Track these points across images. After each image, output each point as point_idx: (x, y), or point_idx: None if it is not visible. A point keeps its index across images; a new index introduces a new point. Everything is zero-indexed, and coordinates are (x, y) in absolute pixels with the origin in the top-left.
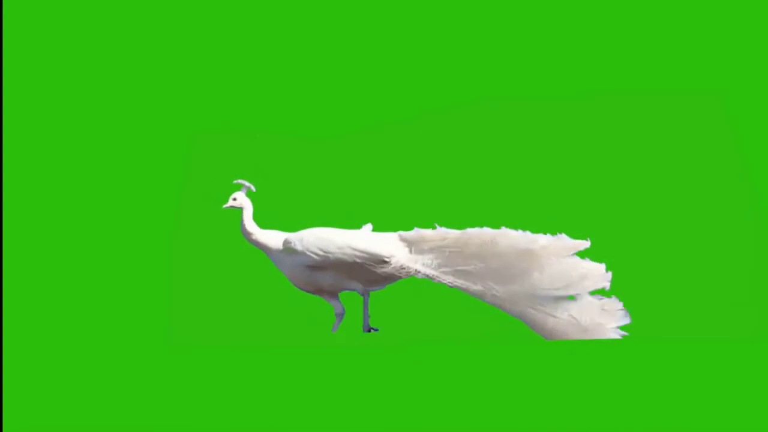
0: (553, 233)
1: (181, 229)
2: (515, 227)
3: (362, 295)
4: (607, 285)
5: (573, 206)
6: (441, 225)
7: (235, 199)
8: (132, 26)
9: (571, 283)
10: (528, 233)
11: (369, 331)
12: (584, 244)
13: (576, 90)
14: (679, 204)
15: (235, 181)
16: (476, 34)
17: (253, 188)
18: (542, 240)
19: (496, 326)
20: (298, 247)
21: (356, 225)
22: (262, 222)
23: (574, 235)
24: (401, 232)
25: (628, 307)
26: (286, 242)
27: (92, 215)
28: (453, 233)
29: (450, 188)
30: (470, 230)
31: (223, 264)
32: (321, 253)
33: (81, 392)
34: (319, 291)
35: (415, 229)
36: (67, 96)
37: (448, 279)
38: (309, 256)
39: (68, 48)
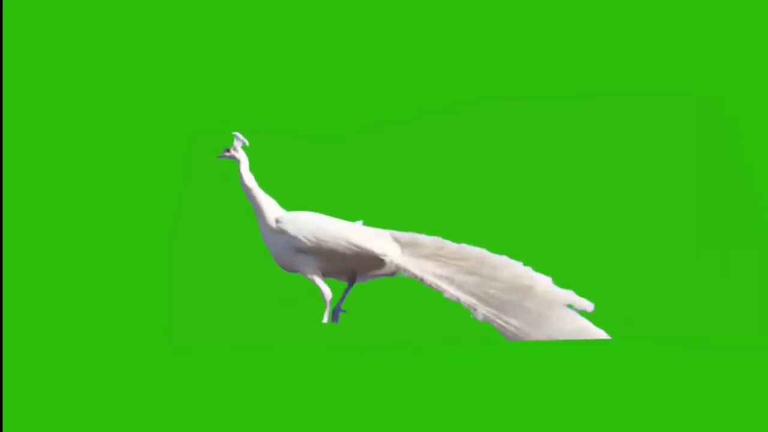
0: (554, 235)
1: (181, 230)
2: (514, 227)
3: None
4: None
5: (572, 206)
6: (441, 225)
7: (228, 150)
8: (132, 26)
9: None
10: (529, 269)
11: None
12: (588, 306)
13: (574, 91)
14: (679, 205)
15: (232, 132)
16: (476, 34)
17: (246, 142)
18: (544, 282)
19: (486, 329)
20: (291, 230)
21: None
22: None
23: (574, 237)
24: (394, 232)
25: (627, 309)
26: (278, 221)
27: (92, 215)
28: (450, 245)
29: (450, 188)
30: (468, 247)
31: (223, 264)
32: (313, 239)
33: (81, 392)
34: (303, 275)
35: (411, 232)
36: (67, 96)
37: (451, 290)
38: (300, 240)
39: (68, 48)
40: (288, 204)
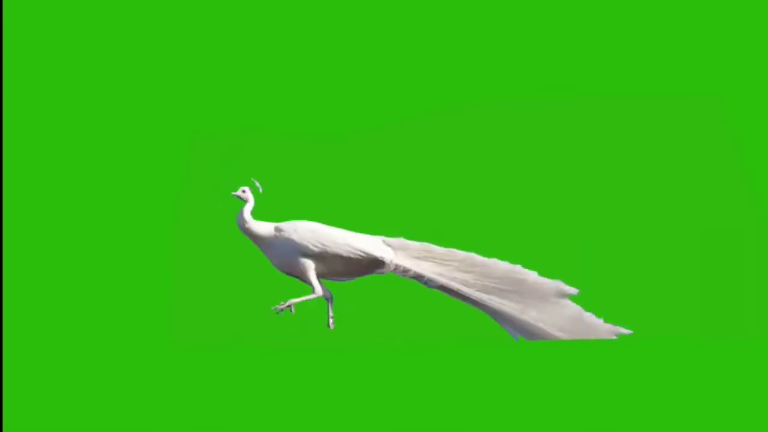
0: (554, 237)
1: (181, 231)
2: (514, 229)
3: (327, 299)
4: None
5: (573, 209)
6: (440, 225)
7: (244, 191)
8: (132, 27)
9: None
10: (519, 267)
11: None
12: (572, 290)
13: (575, 93)
14: (680, 206)
15: (251, 179)
16: (477, 35)
17: (261, 189)
18: (533, 277)
19: (488, 327)
20: (295, 237)
21: (356, 225)
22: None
23: (575, 238)
24: (384, 237)
25: (630, 309)
26: (278, 229)
27: (94, 216)
28: (438, 248)
29: (449, 189)
30: (457, 251)
31: (223, 264)
32: (320, 246)
33: (81, 392)
34: (301, 276)
35: (399, 238)
36: (67, 97)
37: (454, 285)
38: (307, 246)
39: (68, 48)
40: (287, 203)
